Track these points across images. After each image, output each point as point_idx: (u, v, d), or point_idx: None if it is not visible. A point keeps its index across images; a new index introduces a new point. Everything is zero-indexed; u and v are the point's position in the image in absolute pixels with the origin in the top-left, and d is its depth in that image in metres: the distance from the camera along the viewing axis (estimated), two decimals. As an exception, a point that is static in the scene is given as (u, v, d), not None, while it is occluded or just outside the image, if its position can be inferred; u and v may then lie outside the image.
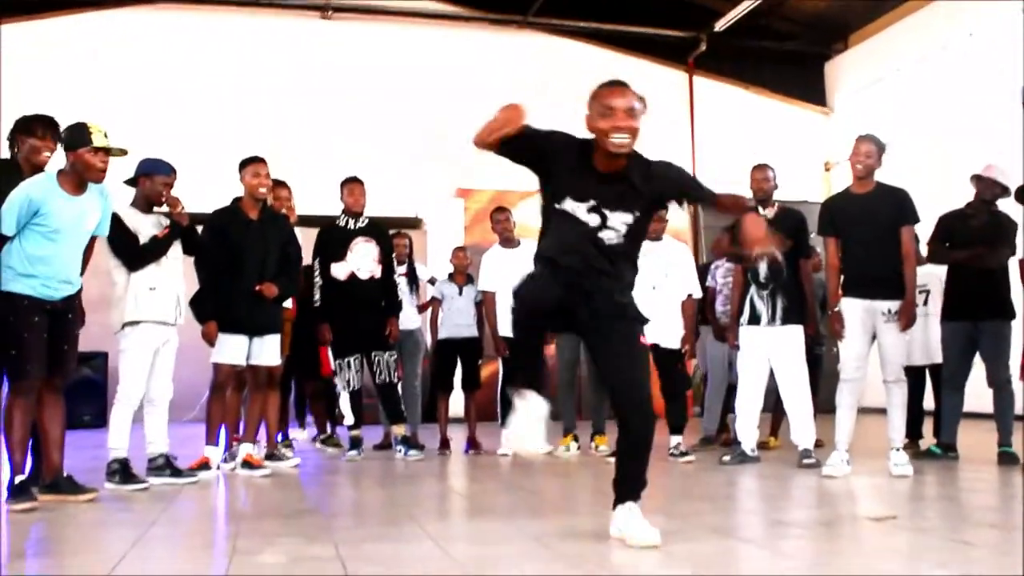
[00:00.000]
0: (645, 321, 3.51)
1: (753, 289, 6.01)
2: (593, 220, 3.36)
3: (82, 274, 4.80)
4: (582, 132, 3.41)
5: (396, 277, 7.02)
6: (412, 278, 7.52)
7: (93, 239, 4.75)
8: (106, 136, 4.56)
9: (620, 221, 3.38)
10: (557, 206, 3.40)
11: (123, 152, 4.66)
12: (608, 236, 3.37)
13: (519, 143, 3.36)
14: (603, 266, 3.38)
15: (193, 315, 5.65)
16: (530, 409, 3.32)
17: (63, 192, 4.47)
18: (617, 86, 3.40)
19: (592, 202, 3.36)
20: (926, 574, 2.89)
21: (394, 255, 7.08)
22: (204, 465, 5.61)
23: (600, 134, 3.32)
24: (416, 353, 7.54)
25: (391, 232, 7.34)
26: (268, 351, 5.83)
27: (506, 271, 6.80)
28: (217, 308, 5.66)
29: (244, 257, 5.69)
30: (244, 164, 5.86)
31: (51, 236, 4.43)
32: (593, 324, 3.42)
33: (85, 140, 4.48)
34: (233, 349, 5.70)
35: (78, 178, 4.52)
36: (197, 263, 5.69)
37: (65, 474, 4.56)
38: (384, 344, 6.62)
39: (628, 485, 3.43)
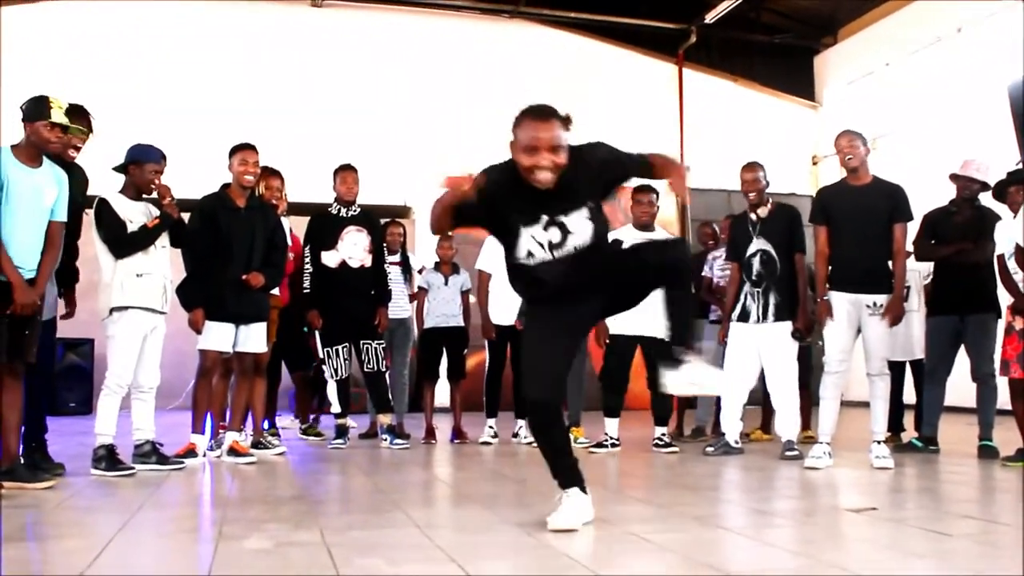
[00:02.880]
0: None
1: (746, 286, 6.05)
2: (555, 236, 3.37)
3: (58, 267, 4.81)
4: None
5: (389, 266, 7.04)
6: (405, 267, 7.53)
7: (60, 227, 4.67)
8: (66, 112, 4.55)
9: (579, 219, 3.38)
10: (518, 253, 3.43)
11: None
12: (576, 241, 3.38)
13: (469, 209, 3.37)
14: (583, 279, 3.43)
15: (180, 302, 5.66)
16: (576, 504, 3.40)
17: (18, 162, 4.45)
18: (541, 117, 3.32)
19: (545, 217, 3.37)
20: (903, 564, 2.93)
21: (387, 244, 7.16)
22: (190, 452, 5.62)
23: (523, 169, 3.32)
24: (406, 342, 7.57)
25: (385, 221, 7.39)
26: (254, 338, 5.85)
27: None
28: (204, 295, 5.66)
29: (231, 245, 5.70)
30: (233, 151, 5.86)
31: (8, 208, 4.36)
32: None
33: (43, 114, 4.47)
34: (219, 336, 5.71)
35: (34, 151, 4.51)
36: (184, 250, 5.69)
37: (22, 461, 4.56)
38: (373, 333, 6.63)
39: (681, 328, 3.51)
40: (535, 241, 3.39)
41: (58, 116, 4.51)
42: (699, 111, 13.09)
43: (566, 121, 3.35)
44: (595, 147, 3.48)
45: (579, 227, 3.38)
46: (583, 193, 3.40)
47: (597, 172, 3.44)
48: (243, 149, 5.83)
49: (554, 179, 3.31)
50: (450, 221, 3.43)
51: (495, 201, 3.39)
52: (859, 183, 5.54)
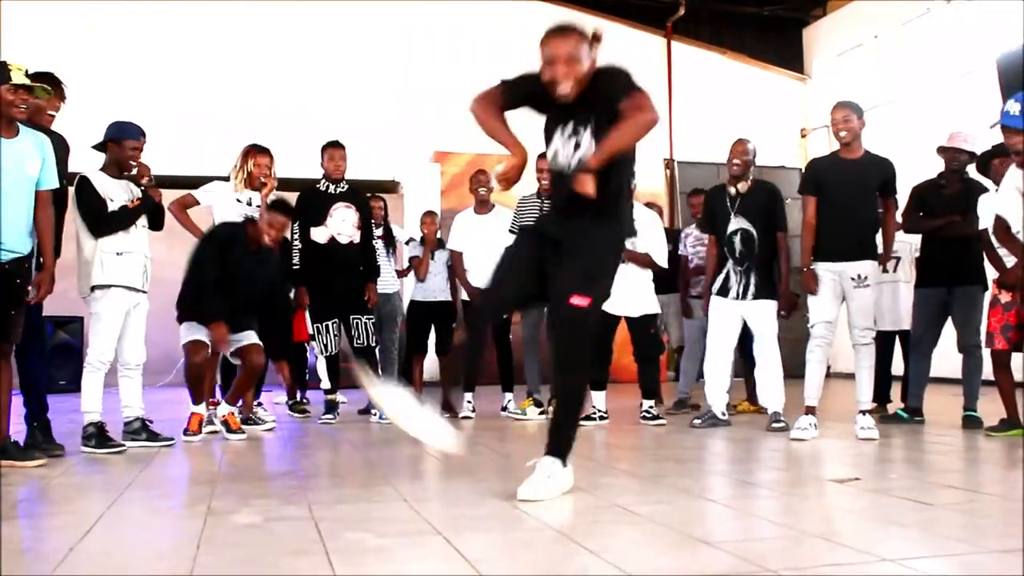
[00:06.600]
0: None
1: (730, 263, 6.07)
2: (572, 145, 3.54)
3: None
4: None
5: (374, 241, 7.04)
6: (389, 241, 7.52)
7: (48, 198, 4.58)
8: (27, 75, 4.45)
9: (589, 135, 3.51)
10: (547, 151, 3.63)
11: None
12: (583, 153, 3.51)
13: (516, 97, 3.60)
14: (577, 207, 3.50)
15: (192, 316, 5.62)
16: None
17: None
18: (557, 32, 3.46)
19: (571, 125, 3.53)
20: (886, 533, 2.96)
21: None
22: (200, 423, 5.60)
23: (547, 85, 3.46)
24: (394, 317, 7.57)
25: (365, 196, 7.37)
26: (247, 337, 5.83)
27: (474, 235, 6.90)
28: (223, 310, 5.61)
29: (236, 282, 5.65)
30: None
31: None
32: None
33: (3, 78, 4.35)
34: (203, 332, 5.65)
35: (4, 120, 4.38)
36: (192, 270, 5.67)
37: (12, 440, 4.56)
38: (363, 308, 6.64)
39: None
40: (561, 142, 3.57)
41: (19, 78, 4.38)
42: (688, 84, 13.06)
43: (593, 37, 3.47)
44: (614, 76, 3.47)
45: (588, 142, 3.52)
46: (595, 111, 3.49)
47: (606, 99, 3.46)
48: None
49: (574, 91, 3.43)
50: (500, 107, 3.57)
51: (541, 93, 3.54)
52: (851, 156, 5.56)
